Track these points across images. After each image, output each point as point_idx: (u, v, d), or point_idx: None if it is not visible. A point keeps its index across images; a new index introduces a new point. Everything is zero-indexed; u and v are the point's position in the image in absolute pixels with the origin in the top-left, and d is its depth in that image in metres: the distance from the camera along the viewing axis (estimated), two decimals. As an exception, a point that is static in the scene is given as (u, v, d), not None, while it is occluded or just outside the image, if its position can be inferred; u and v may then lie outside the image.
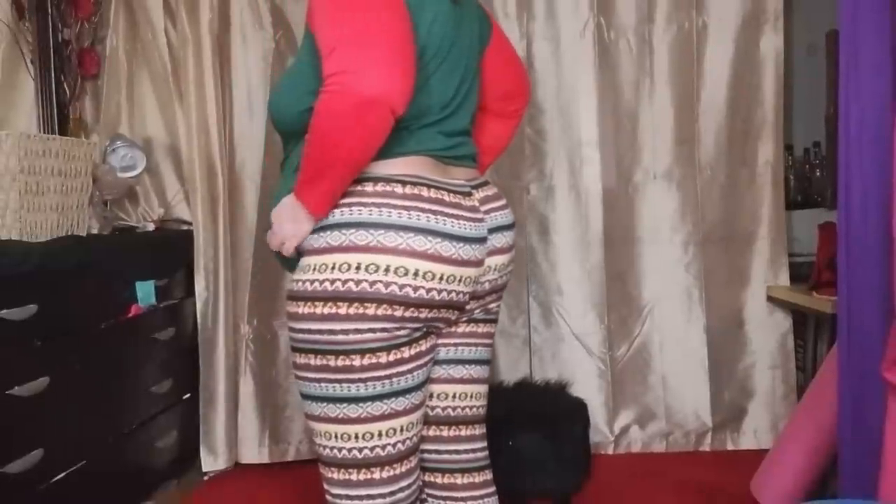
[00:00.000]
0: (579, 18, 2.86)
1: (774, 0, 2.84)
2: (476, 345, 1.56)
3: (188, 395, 2.75)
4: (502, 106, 1.66)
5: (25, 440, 1.91)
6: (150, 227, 2.82)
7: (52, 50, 2.64)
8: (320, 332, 1.33)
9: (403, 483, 1.42)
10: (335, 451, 1.38)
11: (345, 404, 1.35)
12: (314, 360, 1.36)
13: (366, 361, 1.33)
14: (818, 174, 3.11)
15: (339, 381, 1.35)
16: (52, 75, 2.65)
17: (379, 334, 1.33)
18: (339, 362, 1.33)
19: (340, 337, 1.32)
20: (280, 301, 2.90)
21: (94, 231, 2.45)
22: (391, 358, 1.34)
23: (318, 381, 1.36)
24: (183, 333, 2.71)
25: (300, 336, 1.37)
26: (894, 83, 1.68)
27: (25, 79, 2.61)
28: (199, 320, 2.75)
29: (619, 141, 2.92)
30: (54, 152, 2.16)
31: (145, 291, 2.48)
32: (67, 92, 2.72)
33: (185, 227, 2.84)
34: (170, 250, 2.73)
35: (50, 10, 2.63)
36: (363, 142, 1.27)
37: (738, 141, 2.90)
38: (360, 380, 1.34)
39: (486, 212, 1.44)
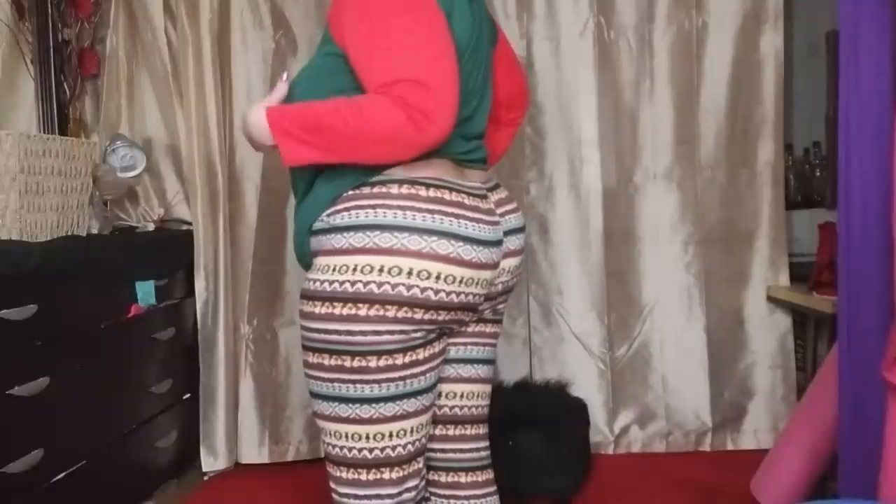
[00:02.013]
0: (579, 18, 2.86)
1: (774, 0, 2.85)
2: (484, 344, 1.57)
3: (188, 395, 2.75)
4: (502, 113, 1.66)
5: (25, 440, 1.91)
6: (150, 227, 2.82)
7: (52, 50, 2.64)
8: (338, 332, 1.33)
9: (411, 483, 1.42)
10: (345, 450, 1.39)
11: (357, 405, 1.36)
12: (328, 360, 1.35)
13: (382, 363, 1.33)
14: (818, 174, 3.11)
15: (354, 382, 1.35)
16: (52, 75, 2.65)
17: (397, 336, 1.33)
18: (355, 363, 1.34)
19: (358, 338, 1.32)
20: (280, 301, 2.91)
21: (94, 231, 2.45)
22: (406, 360, 1.35)
23: (332, 381, 1.36)
24: (183, 333, 2.71)
25: (315, 336, 1.36)
26: (894, 83, 1.67)
27: (25, 79, 2.61)
28: (199, 320, 2.75)
29: (619, 141, 2.92)
30: (54, 152, 2.16)
31: (145, 291, 2.48)
32: (67, 92, 2.72)
33: (185, 227, 2.84)
34: (170, 250, 2.73)
35: (50, 10, 2.62)
36: (388, 159, 1.31)
37: (738, 141, 2.89)
38: (374, 381, 1.34)
39: (502, 214, 1.45)
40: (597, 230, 2.90)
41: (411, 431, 1.39)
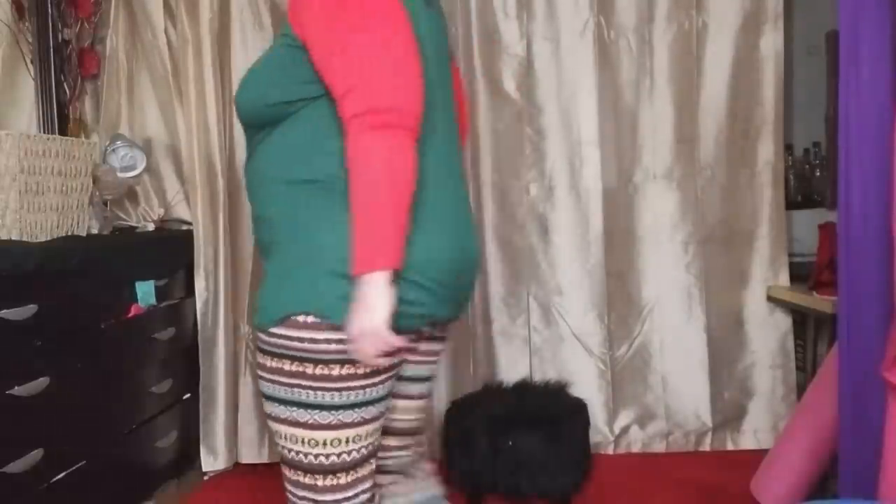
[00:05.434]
0: (579, 18, 2.87)
1: (774, 0, 2.85)
2: (431, 362, 1.58)
3: (188, 395, 2.75)
4: None
5: (25, 440, 1.90)
6: (150, 227, 2.82)
7: (52, 50, 2.64)
8: (300, 339, 1.33)
9: (366, 485, 1.43)
10: (301, 455, 1.39)
11: (316, 410, 1.36)
12: (289, 366, 1.35)
13: (344, 371, 1.34)
14: (818, 174, 3.11)
15: (314, 389, 1.35)
16: (52, 75, 2.65)
17: None
18: (318, 370, 1.34)
19: (322, 346, 1.33)
20: (280, 301, 2.90)
21: (94, 231, 2.45)
22: (368, 369, 1.35)
23: (291, 386, 1.36)
24: (183, 333, 2.71)
25: (276, 341, 1.36)
26: (894, 83, 1.68)
27: (25, 79, 2.61)
28: (199, 320, 2.75)
29: (619, 140, 2.92)
30: (54, 152, 2.16)
31: (145, 291, 2.48)
32: (67, 92, 2.72)
33: (185, 227, 2.84)
34: (170, 250, 2.73)
35: (50, 10, 2.63)
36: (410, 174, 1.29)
37: (738, 141, 2.90)
38: (335, 389, 1.35)
39: None
40: (597, 230, 2.90)
41: (366, 436, 1.40)
